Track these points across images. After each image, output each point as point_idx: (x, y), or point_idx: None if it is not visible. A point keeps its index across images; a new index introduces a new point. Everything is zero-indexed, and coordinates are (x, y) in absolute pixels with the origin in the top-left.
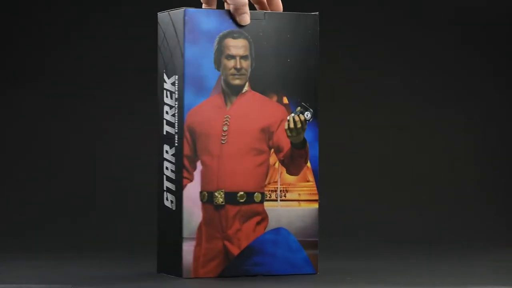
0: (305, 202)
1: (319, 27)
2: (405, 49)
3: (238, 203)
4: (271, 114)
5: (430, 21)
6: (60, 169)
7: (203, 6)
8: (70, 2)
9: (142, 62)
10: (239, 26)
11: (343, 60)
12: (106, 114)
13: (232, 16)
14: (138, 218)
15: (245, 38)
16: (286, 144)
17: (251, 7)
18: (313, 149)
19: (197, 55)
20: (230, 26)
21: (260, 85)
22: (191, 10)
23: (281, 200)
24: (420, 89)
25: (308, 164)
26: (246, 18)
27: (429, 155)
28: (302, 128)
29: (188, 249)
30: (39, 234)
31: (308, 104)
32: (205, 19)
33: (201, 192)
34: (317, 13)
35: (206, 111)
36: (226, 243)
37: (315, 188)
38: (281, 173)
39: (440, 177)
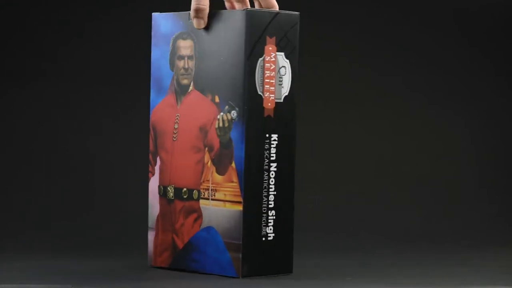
0: (229, 203)
1: (315, 26)
2: (405, 49)
3: (183, 199)
4: (206, 113)
5: (430, 21)
6: (60, 169)
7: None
8: (70, 2)
9: (143, 62)
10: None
11: (343, 60)
12: (106, 114)
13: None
14: (139, 218)
15: (191, 38)
16: (216, 143)
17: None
18: (238, 150)
19: (158, 57)
20: (181, 28)
21: (200, 84)
22: (155, 14)
23: (212, 199)
24: (420, 89)
25: (233, 164)
26: (199, 22)
27: (429, 155)
28: (229, 127)
29: (150, 238)
30: (39, 234)
31: (234, 103)
32: (164, 22)
33: (159, 186)
34: (245, 9)
35: (162, 109)
36: (174, 236)
37: (239, 190)
38: (212, 172)
39: (440, 177)
